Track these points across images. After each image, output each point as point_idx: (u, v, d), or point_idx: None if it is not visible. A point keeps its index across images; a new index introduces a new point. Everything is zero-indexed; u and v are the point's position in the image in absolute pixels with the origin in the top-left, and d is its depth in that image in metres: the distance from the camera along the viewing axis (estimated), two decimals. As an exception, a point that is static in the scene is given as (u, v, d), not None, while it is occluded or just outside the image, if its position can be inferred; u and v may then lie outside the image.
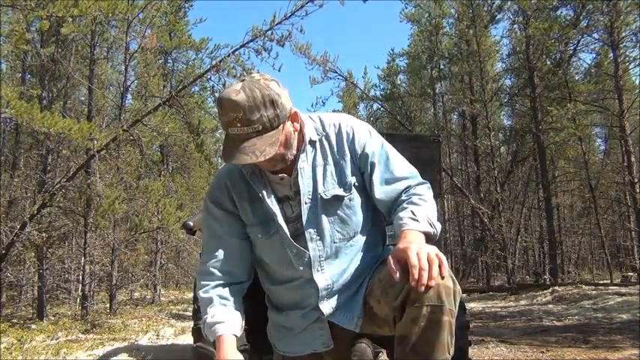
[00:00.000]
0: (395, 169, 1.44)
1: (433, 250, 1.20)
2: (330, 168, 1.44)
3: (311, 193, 1.42)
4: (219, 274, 1.44)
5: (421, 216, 1.33)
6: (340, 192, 1.42)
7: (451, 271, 1.29)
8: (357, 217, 1.43)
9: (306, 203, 1.41)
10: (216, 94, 9.35)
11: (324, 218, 1.41)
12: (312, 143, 1.45)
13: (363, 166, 1.45)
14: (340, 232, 1.42)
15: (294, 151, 1.41)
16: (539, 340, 4.66)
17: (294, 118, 1.39)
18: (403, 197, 1.41)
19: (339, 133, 1.46)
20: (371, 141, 1.46)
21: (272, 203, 1.43)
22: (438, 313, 1.22)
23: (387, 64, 20.58)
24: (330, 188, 1.42)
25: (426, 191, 1.43)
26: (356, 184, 1.44)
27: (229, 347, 1.33)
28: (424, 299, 1.22)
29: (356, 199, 1.44)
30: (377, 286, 1.38)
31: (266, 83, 1.32)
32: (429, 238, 1.31)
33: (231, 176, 1.48)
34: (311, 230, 1.41)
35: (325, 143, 1.46)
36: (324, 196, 1.41)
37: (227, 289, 1.43)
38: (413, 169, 1.48)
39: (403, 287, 1.26)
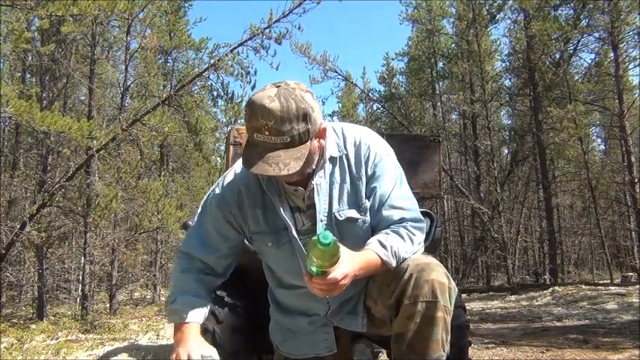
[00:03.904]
0: (395, 198, 1.39)
1: (348, 283, 1.21)
2: (347, 187, 1.40)
3: (327, 211, 1.39)
4: (201, 263, 1.45)
5: (392, 247, 1.30)
6: (354, 214, 1.39)
7: (447, 269, 1.31)
8: (369, 238, 1.38)
9: (321, 221, 1.38)
10: (215, 93, 9.37)
11: (338, 237, 1.39)
12: (332, 160, 1.41)
13: (371, 188, 1.41)
14: (352, 249, 1.39)
15: (314, 167, 1.37)
16: (539, 340, 4.65)
17: (321, 134, 1.34)
18: (393, 227, 1.37)
19: (357, 153, 1.41)
20: (382, 164, 1.41)
21: (286, 214, 1.39)
22: (433, 309, 1.23)
23: (383, 67, 20.62)
24: (345, 208, 1.39)
25: (416, 232, 1.38)
26: (369, 206, 1.40)
27: (194, 331, 1.33)
28: (419, 296, 1.24)
29: (368, 221, 1.40)
30: (372, 287, 1.39)
31: (302, 95, 1.26)
32: (385, 266, 1.30)
33: (248, 181, 1.43)
34: None
35: (345, 161, 1.41)
36: (339, 217, 1.38)
37: (204, 277, 1.44)
38: (414, 202, 1.43)
39: (397, 286, 1.28)
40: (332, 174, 1.40)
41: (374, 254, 1.28)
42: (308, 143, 1.27)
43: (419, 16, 17.34)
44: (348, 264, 1.20)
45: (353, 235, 1.39)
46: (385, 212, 1.37)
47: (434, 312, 1.23)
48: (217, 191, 1.47)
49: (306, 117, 1.24)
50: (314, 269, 1.16)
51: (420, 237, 1.39)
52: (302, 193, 1.39)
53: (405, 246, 1.33)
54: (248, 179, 1.43)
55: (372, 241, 1.31)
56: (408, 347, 1.26)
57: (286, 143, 1.23)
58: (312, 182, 1.38)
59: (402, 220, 1.37)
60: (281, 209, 1.39)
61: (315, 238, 1.12)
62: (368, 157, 1.40)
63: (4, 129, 11.35)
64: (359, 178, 1.40)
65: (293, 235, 1.38)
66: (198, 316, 1.36)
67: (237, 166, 1.49)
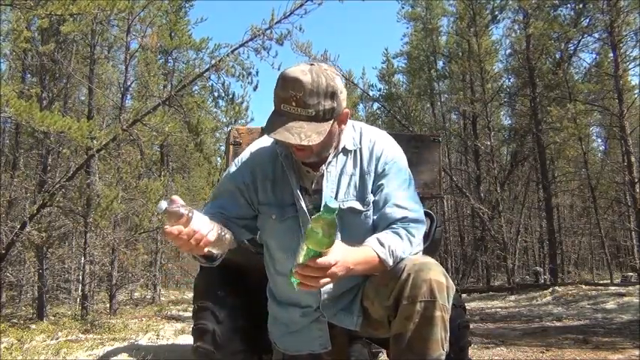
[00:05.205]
0: (400, 198, 1.42)
1: (341, 274, 1.20)
2: (355, 179, 1.44)
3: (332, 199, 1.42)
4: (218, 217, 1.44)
5: (390, 246, 1.32)
6: (358, 205, 1.43)
7: (446, 269, 1.31)
8: (369, 232, 1.42)
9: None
10: (216, 94, 9.37)
11: (338, 226, 1.41)
12: (346, 152, 1.46)
13: (378, 185, 1.45)
14: (351, 243, 1.41)
15: (331, 150, 1.42)
16: (539, 340, 4.66)
17: (343, 119, 1.39)
18: (393, 227, 1.39)
19: (372, 150, 1.46)
20: (393, 164, 1.46)
21: (297, 189, 1.44)
22: (431, 309, 1.24)
23: (382, 64, 20.55)
24: (349, 199, 1.43)
25: (416, 233, 1.40)
26: (373, 201, 1.44)
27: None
28: (417, 295, 1.25)
29: (371, 215, 1.44)
30: (370, 288, 1.40)
31: (332, 75, 1.32)
32: (383, 264, 1.31)
33: (262, 157, 1.49)
34: None
35: (358, 155, 1.46)
36: (341, 206, 1.41)
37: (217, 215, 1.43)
38: (418, 204, 1.46)
39: (395, 286, 1.29)
40: (344, 165, 1.45)
41: (372, 251, 1.30)
42: (331, 122, 1.32)
43: (417, 14, 17.33)
44: (343, 254, 1.21)
45: (354, 226, 1.42)
46: (388, 210, 1.40)
47: (432, 312, 1.24)
48: (232, 168, 1.52)
49: (333, 95, 1.30)
50: (305, 251, 1.15)
51: (418, 238, 1.40)
52: (313, 176, 1.44)
53: (402, 246, 1.35)
54: (262, 154, 1.50)
55: (371, 239, 1.33)
56: (408, 347, 1.26)
57: (311, 117, 1.28)
58: (323, 168, 1.42)
59: (403, 220, 1.39)
60: (294, 184, 1.44)
61: (318, 214, 1.14)
62: (380, 156, 1.45)
63: (4, 129, 11.34)
64: (368, 173, 1.44)
65: (302, 208, 1.42)
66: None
67: (252, 146, 1.55)
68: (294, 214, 1.43)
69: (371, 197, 1.43)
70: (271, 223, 1.47)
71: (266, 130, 1.31)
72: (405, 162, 1.50)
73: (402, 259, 1.33)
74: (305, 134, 1.26)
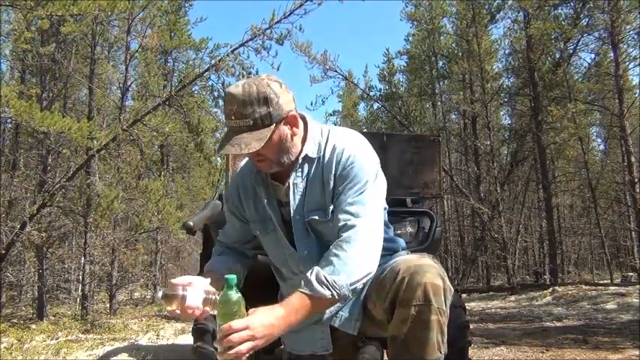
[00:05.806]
0: (351, 204, 1.35)
1: (264, 334, 1.16)
2: (317, 188, 1.41)
3: (301, 210, 1.42)
4: (227, 244, 1.61)
5: (318, 276, 1.25)
6: (319, 216, 1.39)
7: (443, 269, 1.31)
8: None
9: (297, 219, 1.43)
10: (216, 94, 9.39)
11: (312, 236, 1.43)
12: (310, 160, 1.42)
13: (336, 191, 1.39)
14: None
15: (292, 157, 1.40)
16: (539, 340, 4.66)
17: (291, 121, 1.37)
18: (336, 239, 1.33)
19: (331, 156, 1.40)
20: (352, 169, 1.38)
21: (269, 203, 1.47)
22: (427, 313, 1.24)
23: (383, 64, 20.50)
24: (312, 209, 1.41)
25: (349, 243, 1.30)
26: (332, 209, 1.39)
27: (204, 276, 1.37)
28: (412, 299, 1.24)
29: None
30: (371, 290, 1.40)
31: (267, 82, 1.33)
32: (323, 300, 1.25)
33: (243, 176, 1.56)
34: (301, 246, 1.44)
35: (321, 162, 1.42)
36: (306, 217, 1.41)
37: (230, 251, 1.60)
38: (370, 210, 1.36)
39: (391, 289, 1.29)
40: (309, 174, 1.42)
41: (299, 295, 1.24)
42: (272, 127, 1.33)
43: (420, 14, 17.32)
44: (258, 316, 1.16)
45: (324, 233, 1.41)
46: (339, 216, 1.35)
47: (428, 315, 1.23)
48: (227, 192, 1.63)
49: (267, 100, 1.32)
50: (219, 329, 1.15)
51: (359, 248, 1.30)
52: (281, 188, 1.46)
53: (334, 267, 1.27)
54: (243, 174, 1.56)
55: (304, 281, 1.27)
56: (404, 350, 1.27)
57: (250, 126, 1.31)
58: (289, 180, 1.43)
59: (342, 228, 1.33)
60: (265, 200, 1.47)
61: None
62: (339, 161, 1.39)
63: (4, 129, 11.35)
64: (327, 181, 1.40)
65: (275, 224, 1.46)
66: (217, 266, 1.48)
67: (239, 166, 1.62)
68: (273, 227, 1.48)
69: (331, 206, 1.38)
70: (260, 238, 1.54)
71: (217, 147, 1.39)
72: (367, 162, 1.40)
73: (395, 262, 1.33)
74: (245, 143, 1.29)
